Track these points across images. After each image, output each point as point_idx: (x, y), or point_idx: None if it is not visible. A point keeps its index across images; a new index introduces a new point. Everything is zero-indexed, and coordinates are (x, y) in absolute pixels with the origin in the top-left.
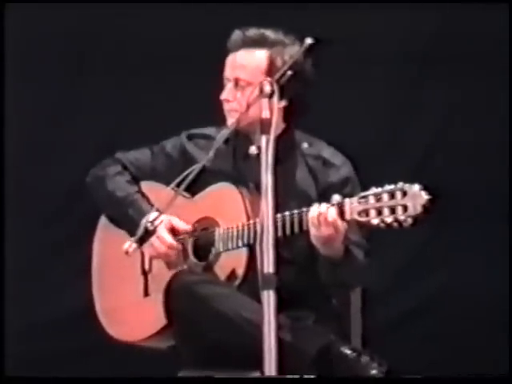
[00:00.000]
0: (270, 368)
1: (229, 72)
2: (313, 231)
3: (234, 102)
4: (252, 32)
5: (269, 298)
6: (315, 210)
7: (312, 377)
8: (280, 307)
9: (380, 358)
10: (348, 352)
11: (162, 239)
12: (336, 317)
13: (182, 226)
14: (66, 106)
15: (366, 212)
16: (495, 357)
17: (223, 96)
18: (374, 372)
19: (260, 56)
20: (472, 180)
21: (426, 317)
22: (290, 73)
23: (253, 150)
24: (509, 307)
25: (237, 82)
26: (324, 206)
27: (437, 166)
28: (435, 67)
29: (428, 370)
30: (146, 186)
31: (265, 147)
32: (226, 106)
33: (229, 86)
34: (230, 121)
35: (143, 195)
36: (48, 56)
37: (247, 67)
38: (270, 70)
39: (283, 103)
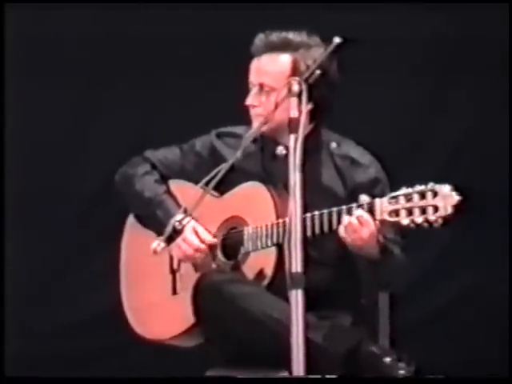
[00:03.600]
0: (298, 368)
1: (253, 77)
2: (351, 236)
3: (259, 108)
4: (275, 36)
5: (297, 297)
6: (347, 217)
7: (339, 377)
8: (309, 307)
9: (408, 358)
10: (376, 352)
11: (190, 242)
12: (365, 316)
13: (207, 236)
14: (82, 106)
15: (397, 212)
16: None
17: (248, 101)
18: (402, 372)
19: (283, 60)
20: (499, 180)
21: (454, 317)
22: (318, 72)
23: (280, 149)
24: (509, 307)
25: (261, 87)
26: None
27: (465, 165)
28: (453, 70)
29: (455, 370)
30: (175, 184)
31: (293, 146)
32: (252, 111)
33: (254, 91)
34: (256, 126)
35: (171, 195)
36: (48, 56)
37: (271, 73)
38: (294, 74)
39: (309, 106)
